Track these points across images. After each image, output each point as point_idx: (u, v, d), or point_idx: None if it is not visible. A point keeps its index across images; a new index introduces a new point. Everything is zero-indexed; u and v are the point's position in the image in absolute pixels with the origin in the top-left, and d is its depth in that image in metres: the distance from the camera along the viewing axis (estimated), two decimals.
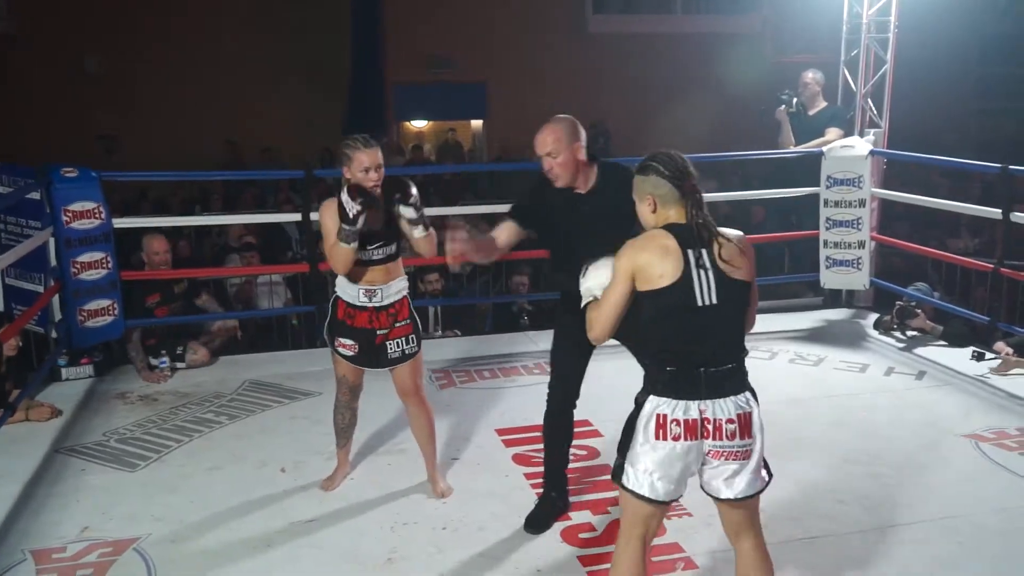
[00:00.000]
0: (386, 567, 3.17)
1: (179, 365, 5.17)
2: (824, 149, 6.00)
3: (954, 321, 5.57)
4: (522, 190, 3.49)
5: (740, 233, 2.49)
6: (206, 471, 3.94)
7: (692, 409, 2.35)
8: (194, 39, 12.89)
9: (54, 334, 4.85)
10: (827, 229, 6.00)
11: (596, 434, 4.18)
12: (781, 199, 6.26)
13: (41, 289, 4.72)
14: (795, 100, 6.41)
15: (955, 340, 5.46)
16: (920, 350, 5.45)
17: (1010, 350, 5.08)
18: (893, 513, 3.48)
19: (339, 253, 3.31)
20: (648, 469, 2.38)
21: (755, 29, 15.14)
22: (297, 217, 5.66)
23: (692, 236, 2.40)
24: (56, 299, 4.78)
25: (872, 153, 5.91)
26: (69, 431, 4.38)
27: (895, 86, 6.22)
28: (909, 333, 5.70)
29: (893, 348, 5.55)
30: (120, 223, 5.17)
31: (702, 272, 2.37)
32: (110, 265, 4.91)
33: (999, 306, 5.34)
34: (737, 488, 2.41)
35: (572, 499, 3.55)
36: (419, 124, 15.75)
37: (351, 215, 3.21)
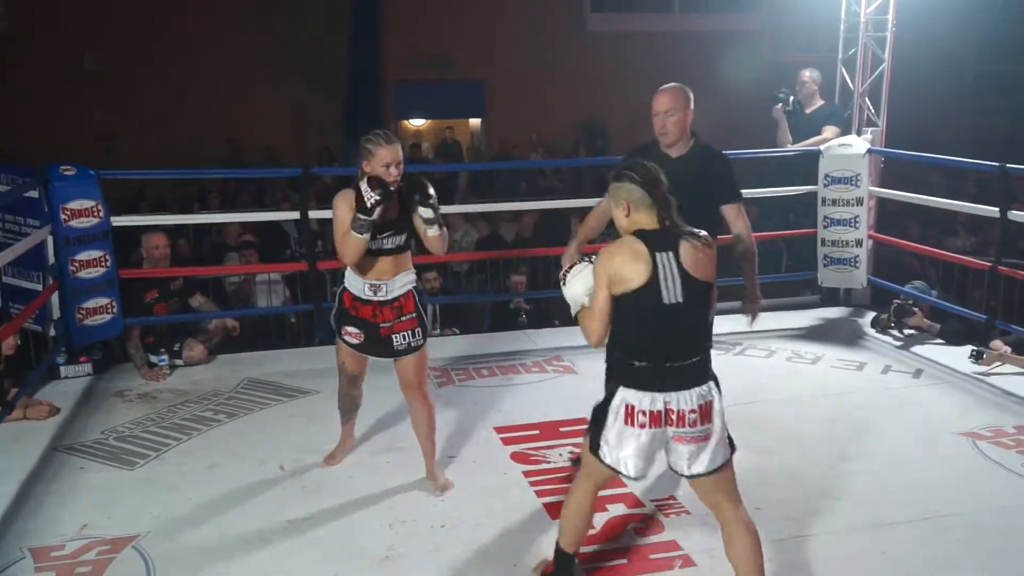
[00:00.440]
0: (384, 564, 3.17)
1: (177, 363, 5.18)
2: (822, 148, 6.01)
3: (951, 319, 5.57)
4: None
5: (706, 234, 2.67)
6: (205, 469, 3.94)
7: (658, 401, 2.58)
8: (194, 39, 12.87)
9: (53, 332, 4.84)
10: (825, 227, 6.02)
11: None
12: (779, 197, 6.27)
13: (40, 287, 4.72)
14: (792, 98, 6.41)
15: (952, 338, 5.47)
16: (917, 348, 5.46)
17: (1007, 348, 5.09)
18: (890, 511, 3.49)
19: (351, 242, 3.34)
20: (621, 449, 2.64)
21: (753, 28, 15.17)
22: (295, 215, 5.65)
23: (661, 240, 2.60)
24: (55, 297, 4.78)
25: (870, 151, 5.93)
26: (68, 429, 4.38)
27: (892, 85, 6.23)
28: (906, 331, 5.71)
29: (890, 346, 5.55)
30: (119, 221, 5.17)
31: (669, 274, 2.57)
32: (108, 263, 4.92)
33: (996, 304, 5.34)
34: (701, 465, 2.63)
35: None
36: (417, 123, 15.77)
37: (369, 204, 3.26)
